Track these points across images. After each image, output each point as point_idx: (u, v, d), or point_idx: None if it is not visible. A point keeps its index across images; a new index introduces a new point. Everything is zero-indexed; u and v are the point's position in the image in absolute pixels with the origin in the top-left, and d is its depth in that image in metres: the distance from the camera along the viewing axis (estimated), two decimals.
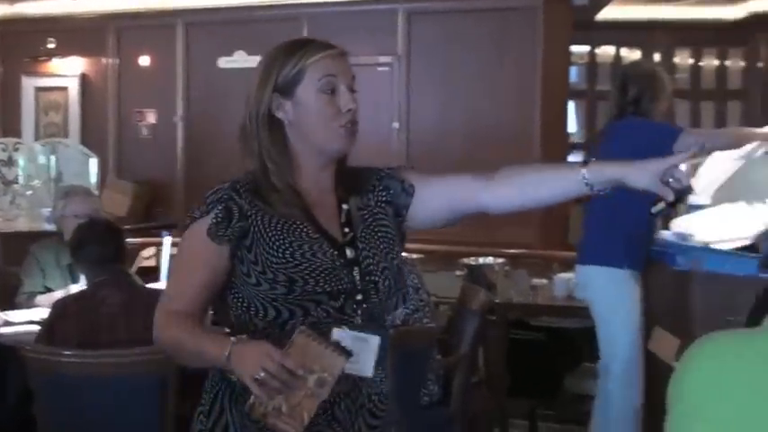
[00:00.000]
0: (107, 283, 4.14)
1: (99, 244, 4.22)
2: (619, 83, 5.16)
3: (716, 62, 10.18)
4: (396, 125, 8.63)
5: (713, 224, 5.35)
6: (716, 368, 2.60)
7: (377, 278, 2.39)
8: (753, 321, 3.08)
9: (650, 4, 9.60)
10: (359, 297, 2.36)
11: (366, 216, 2.47)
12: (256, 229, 2.36)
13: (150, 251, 7.09)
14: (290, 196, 2.39)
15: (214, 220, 2.37)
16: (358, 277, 2.37)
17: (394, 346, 2.51)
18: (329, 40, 2.47)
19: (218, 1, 9.26)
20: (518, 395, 5.66)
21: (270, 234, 2.36)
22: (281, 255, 2.33)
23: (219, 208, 2.37)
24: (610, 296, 4.98)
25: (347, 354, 2.26)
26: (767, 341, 2.50)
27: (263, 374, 2.17)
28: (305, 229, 2.38)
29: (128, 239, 4.87)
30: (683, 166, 2.33)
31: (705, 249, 5.29)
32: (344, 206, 2.46)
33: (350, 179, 2.51)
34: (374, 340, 2.37)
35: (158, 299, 2.50)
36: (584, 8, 9.07)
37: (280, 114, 2.42)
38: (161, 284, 5.24)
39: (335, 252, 2.37)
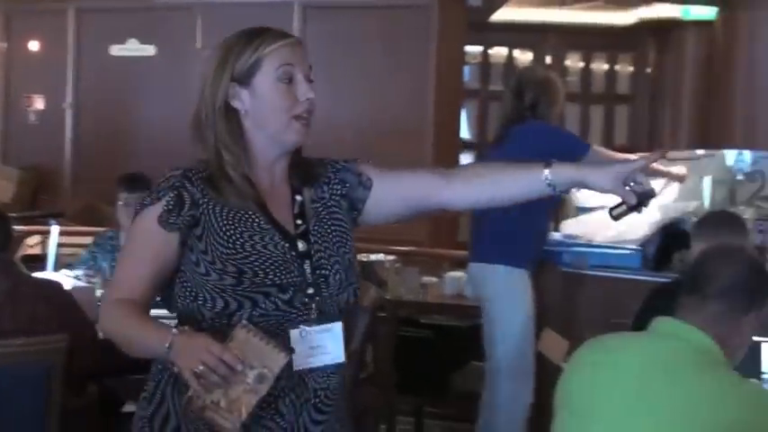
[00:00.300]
0: None
1: None
2: (514, 87, 5.21)
3: (606, 66, 10.37)
4: None
5: (602, 226, 5.46)
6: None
7: (327, 272, 2.36)
8: (638, 325, 3.14)
9: (543, 7, 9.74)
10: (310, 291, 2.33)
11: (319, 209, 2.44)
12: (207, 218, 2.34)
13: (35, 239, 6.96)
14: (244, 187, 2.36)
15: (165, 208, 2.33)
16: (309, 270, 2.34)
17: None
18: (238, 30, 2.43)
19: None
20: (406, 392, 5.67)
21: (221, 224, 2.33)
22: (231, 245, 2.31)
23: (171, 195, 2.34)
24: (507, 295, 5.02)
25: (289, 350, 2.23)
26: (651, 344, 2.57)
27: (201, 368, 2.14)
28: (256, 220, 2.35)
29: (13, 227, 4.77)
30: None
31: (589, 246, 5.40)
32: (298, 198, 2.44)
33: (304, 170, 2.48)
34: (337, 326, 2.36)
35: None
36: (479, 9, 9.16)
37: (236, 104, 2.38)
38: (47, 274, 5.16)
39: (287, 244, 2.35)
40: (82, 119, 9.23)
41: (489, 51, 10.23)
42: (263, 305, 2.29)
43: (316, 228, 2.41)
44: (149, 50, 8.81)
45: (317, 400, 2.37)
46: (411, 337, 5.74)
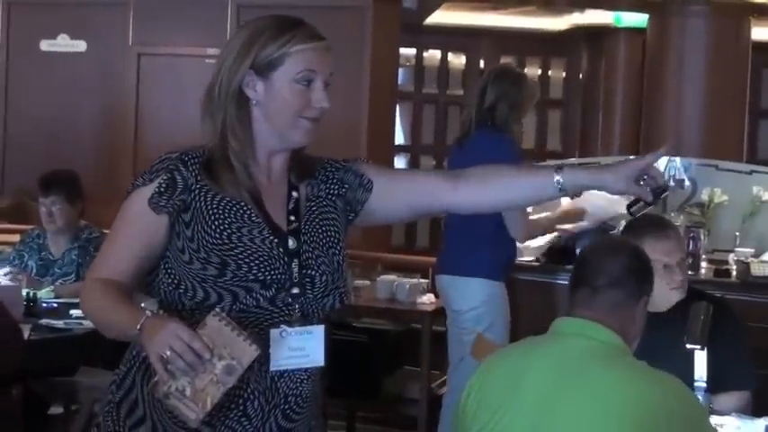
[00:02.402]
0: None
1: None
2: (480, 85, 5.14)
3: (539, 71, 10.42)
4: None
5: None
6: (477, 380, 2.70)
7: (314, 272, 2.32)
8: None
9: (477, 11, 9.77)
10: (294, 291, 2.30)
11: (313, 207, 2.40)
12: (198, 204, 2.30)
13: None
14: (243, 177, 2.32)
15: (157, 190, 2.30)
16: (296, 269, 2.30)
17: None
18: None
19: None
20: (337, 396, 5.64)
21: (211, 212, 2.29)
22: (217, 235, 2.27)
23: (164, 177, 2.30)
24: (483, 308, 4.99)
25: (259, 345, 2.16)
26: (557, 346, 2.58)
27: (168, 353, 2.09)
28: (248, 212, 2.31)
29: None
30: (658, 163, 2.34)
31: None
32: (294, 194, 2.40)
33: (303, 167, 2.44)
34: (319, 330, 2.32)
35: None
36: (413, 12, 9.16)
37: (249, 92, 2.34)
38: None
39: (275, 240, 2.31)
40: (11, 114, 9.05)
41: (423, 54, 10.24)
42: (245, 300, 2.26)
43: (307, 226, 2.37)
44: (80, 46, 8.68)
45: (287, 406, 2.32)
46: (343, 341, 5.71)
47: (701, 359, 3.11)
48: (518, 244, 5.36)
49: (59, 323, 4.58)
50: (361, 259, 6.85)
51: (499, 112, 4.99)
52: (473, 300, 5.00)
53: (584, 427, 2.45)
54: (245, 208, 2.31)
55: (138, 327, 2.17)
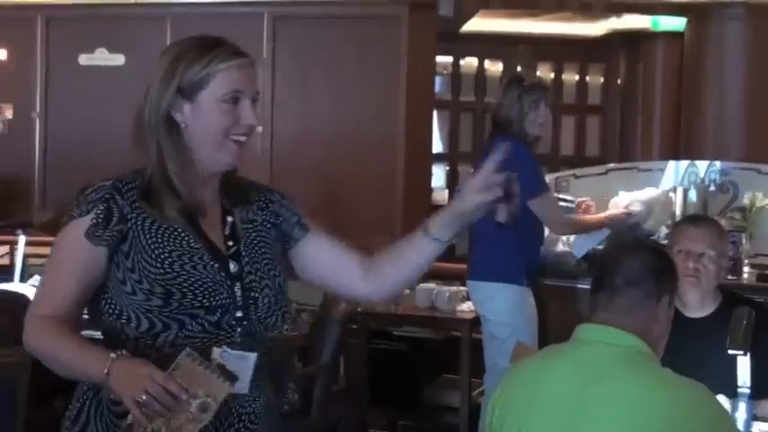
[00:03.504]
0: None
1: None
2: (501, 91, 5.17)
3: (576, 77, 10.39)
4: (260, 129, 8.55)
5: None
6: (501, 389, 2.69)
7: (257, 294, 2.31)
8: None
9: (514, 18, 9.75)
10: (238, 314, 2.28)
11: (250, 230, 2.39)
12: (135, 233, 2.27)
13: (3, 249, 6.92)
14: (190, 199, 2.30)
15: (93, 221, 2.27)
16: (239, 293, 2.29)
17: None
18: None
19: None
20: (379, 405, 5.67)
21: (149, 241, 2.26)
22: (159, 265, 2.24)
23: (101, 208, 2.27)
24: (511, 313, 5.00)
25: (232, 379, 2.19)
26: (578, 354, 2.55)
27: (144, 397, 2.07)
28: (186, 239, 2.29)
29: None
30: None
31: None
32: (229, 218, 2.38)
33: (236, 191, 2.42)
34: (251, 357, 2.30)
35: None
36: (450, 19, 9.15)
37: (177, 116, 2.32)
38: (14, 285, 5.12)
39: (216, 265, 2.29)
40: (51, 128, 9.15)
41: (460, 62, 10.22)
42: (190, 327, 2.24)
43: (246, 249, 2.36)
44: (118, 60, 8.77)
45: (241, 424, 2.33)
46: (383, 350, 5.74)
47: (743, 365, 3.06)
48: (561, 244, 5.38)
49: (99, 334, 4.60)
50: None
51: (513, 119, 5.03)
52: (496, 304, 5.05)
53: None
54: (182, 234, 2.29)
55: (106, 371, 2.13)
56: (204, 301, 2.24)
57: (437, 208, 2.52)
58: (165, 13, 8.66)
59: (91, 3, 9.01)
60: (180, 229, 2.29)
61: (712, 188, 6.59)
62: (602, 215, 5.65)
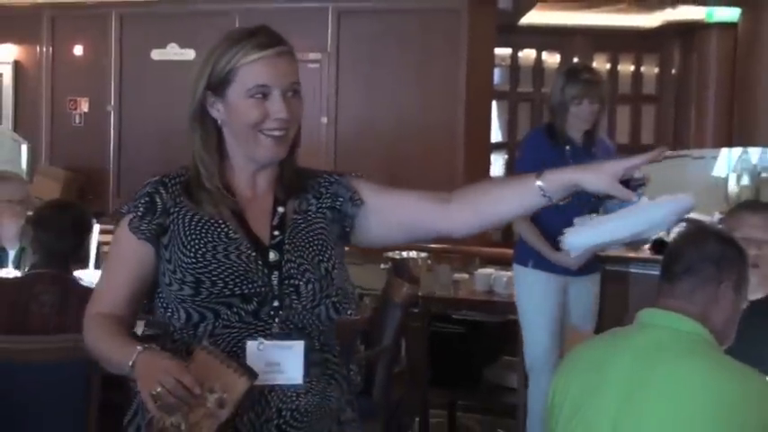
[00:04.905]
0: (46, 277, 3.91)
1: (57, 235, 3.99)
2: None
3: (632, 68, 10.48)
4: (324, 120, 8.79)
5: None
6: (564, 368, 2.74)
7: (298, 281, 2.22)
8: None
9: (570, 10, 9.86)
10: (275, 303, 2.20)
11: (299, 221, 2.30)
12: (175, 227, 2.23)
13: None
14: (219, 197, 2.25)
15: (136, 214, 2.25)
16: (276, 281, 2.21)
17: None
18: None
19: None
20: (439, 386, 5.74)
21: (187, 233, 2.22)
22: (191, 254, 2.20)
23: (144, 201, 2.24)
24: (517, 294, 5.06)
25: (251, 375, 2.09)
26: (637, 338, 2.63)
27: (159, 390, 2.03)
28: (225, 230, 2.23)
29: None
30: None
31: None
32: (280, 209, 2.30)
33: (293, 182, 2.34)
34: (299, 346, 2.21)
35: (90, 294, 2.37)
36: (508, 12, 9.30)
37: (213, 112, 2.26)
38: (89, 272, 5.27)
39: (253, 254, 2.22)
40: (125, 121, 9.44)
41: (519, 54, 10.35)
42: (226, 316, 2.19)
43: (290, 238, 2.27)
44: (189, 55, 9.02)
45: (281, 420, 2.20)
46: (443, 333, 5.79)
47: None
48: None
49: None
50: (460, 253, 7.01)
51: (556, 109, 4.94)
52: (516, 287, 5.10)
53: (664, 423, 2.44)
54: (222, 225, 2.24)
55: (131, 363, 2.12)
56: (236, 288, 2.18)
57: None
58: (233, 9, 8.88)
59: None
60: (221, 221, 2.24)
61: (764, 174, 6.67)
62: None
